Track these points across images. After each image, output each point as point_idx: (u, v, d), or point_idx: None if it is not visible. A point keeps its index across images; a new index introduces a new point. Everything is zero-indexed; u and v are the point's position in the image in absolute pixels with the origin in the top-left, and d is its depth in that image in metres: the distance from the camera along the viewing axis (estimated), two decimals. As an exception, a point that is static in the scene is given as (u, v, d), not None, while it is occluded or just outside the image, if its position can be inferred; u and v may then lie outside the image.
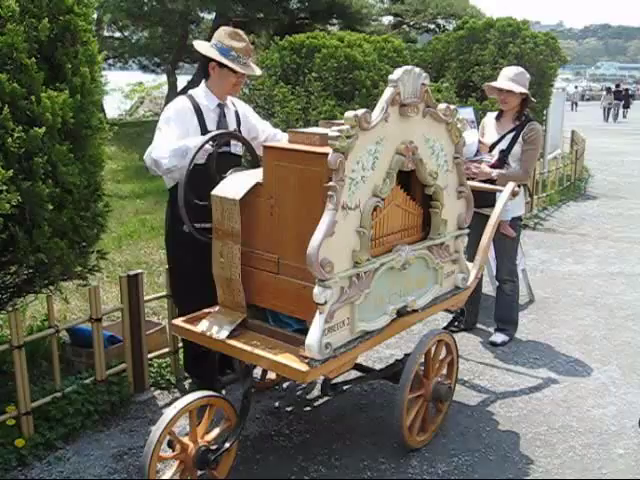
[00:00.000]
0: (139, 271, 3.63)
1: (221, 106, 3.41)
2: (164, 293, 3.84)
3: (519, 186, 3.97)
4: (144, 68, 19.43)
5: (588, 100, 45.19)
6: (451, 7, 18.97)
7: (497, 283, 4.66)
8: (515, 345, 4.53)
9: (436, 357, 3.28)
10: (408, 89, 2.74)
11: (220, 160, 3.08)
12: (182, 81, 16.05)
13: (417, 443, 3.21)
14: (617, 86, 34.40)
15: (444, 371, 3.40)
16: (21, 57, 2.85)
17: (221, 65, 3.29)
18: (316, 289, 2.49)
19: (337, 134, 2.44)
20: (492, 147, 4.38)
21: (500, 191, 3.86)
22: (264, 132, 3.63)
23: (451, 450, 3.25)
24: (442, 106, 3.00)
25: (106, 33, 16.96)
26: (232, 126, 3.44)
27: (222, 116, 3.41)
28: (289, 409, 3.61)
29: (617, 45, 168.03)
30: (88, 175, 3.22)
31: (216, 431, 2.88)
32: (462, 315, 3.82)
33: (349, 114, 2.49)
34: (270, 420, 3.49)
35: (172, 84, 15.41)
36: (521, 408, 3.68)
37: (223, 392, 3.42)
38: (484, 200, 3.96)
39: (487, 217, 3.76)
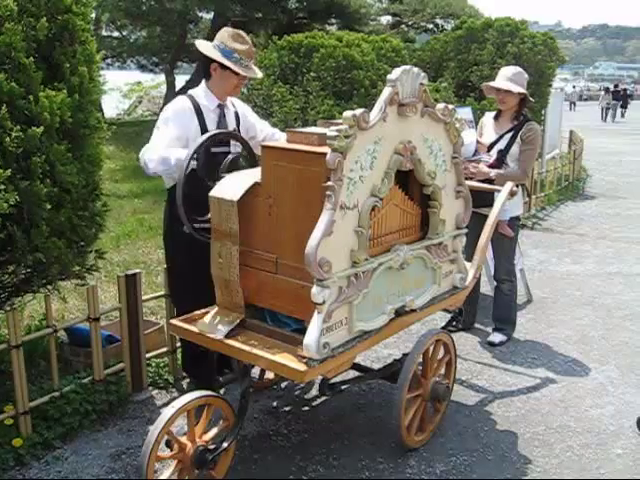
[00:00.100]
0: (137, 271, 3.63)
1: (221, 106, 3.41)
2: (162, 293, 3.84)
3: (517, 186, 3.97)
4: (142, 67, 19.42)
5: (586, 100, 45.22)
6: (449, 7, 18.98)
7: (495, 283, 4.66)
8: (513, 345, 4.53)
9: (434, 357, 3.28)
10: (406, 89, 2.74)
11: (220, 160, 3.09)
12: (180, 80, 16.05)
13: (415, 443, 3.21)
14: (615, 86, 34.45)
15: (442, 371, 3.40)
16: (19, 56, 2.85)
17: (223, 67, 3.29)
18: (314, 289, 2.49)
19: (335, 134, 2.44)
20: (490, 147, 4.38)
21: (498, 191, 3.86)
22: (262, 131, 3.63)
23: (449, 450, 3.25)
24: (440, 106, 3.00)
25: (104, 32, 16.95)
26: (231, 126, 3.44)
27: (222, 116, 3.41)
28: (287, 409, 3.61)
29: (615, 45, 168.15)
30: (86, 174, 3.22)
31: (214, 431, 2.88)
32: (460, 315, 3.83)
33: (347, 114, 2.49)
34: (268, 420, 3.49)
35: (170, 83, 15.41)
36: (519, 408, 3.68)
37: (221, 392, 3.42)
38: (482, 200, 3.96)
39: (485, 217, 3.76)
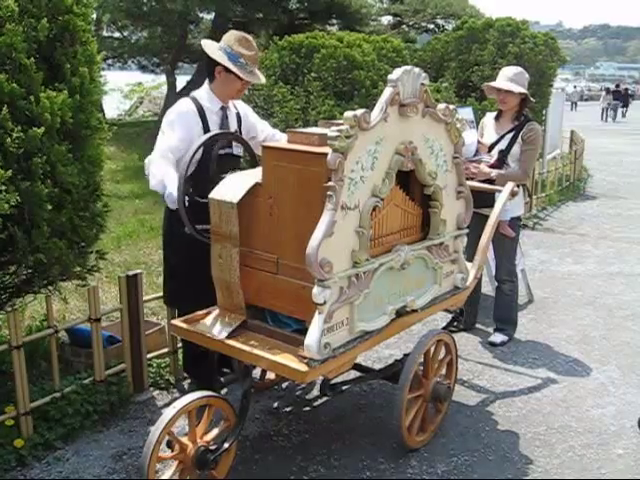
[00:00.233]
0: (138, 271, 3.63)
1: (224, 109, 3.42)
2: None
3: (518, 186, 3.97)
4: (143, 68, 19.41)
5: (586, 100, 45.16)
6: (450, 7, 18.95)
7: (496, 283, 4.66)
8: (514, 345, 4.53)
9: (435, 357, 3.28)
10: (407, 89, 2.74)
11: (221, 162, 3.10)
12: (181, 81, 16.04)
13: (416, 443, 3.21)
14: (617, 86, 34.46)
15: (443, 371, 3.40)
16: (20, 57, 2.85)
17: (228, 70, 3.29)
18: (315, 289, 2.49)
19: (336, 134, 2.43)
20: (491, 147, 4.38)
21: (499, 191, 3.86)
22: (263, 132, 3.64)
23: (450, 450, 3.25)
24: (441, 106, 3.00)
25: (105, 33, 16.94)
26: (233, 128, 3.45)
27: (224, 118, 3.42)
28: (288, 409, 3.61)
29: (616, 45, 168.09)
30: (87, 175, 3.22)
31: (215, 431, 2.88)
32: (461, 315, 3.82)
33: (348, 114, 2.49)
34: (269, 420, 3.49)
35: (171, 84, 15.38)
36: (520, 408, 3.68)
37: (223, 392, 3.42)
38: (483, 200, 3.96)
39: (486, 217, 3.76)
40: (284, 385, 3.82)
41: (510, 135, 4.33)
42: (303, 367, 2.54)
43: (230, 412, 2.88)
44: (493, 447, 3.29)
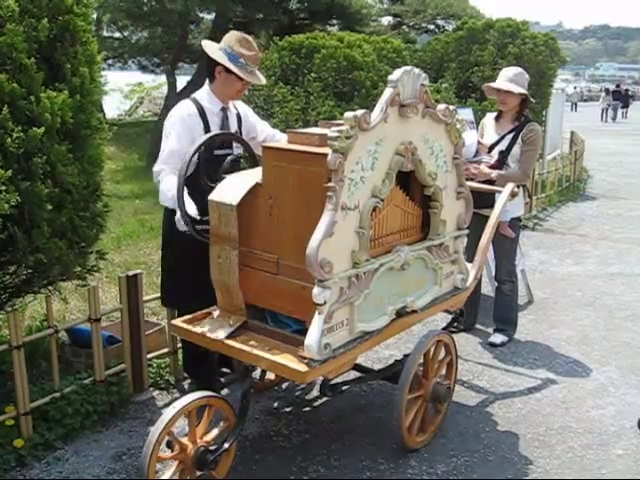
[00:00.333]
0: (138, 271, 3.63)
1: (224, 109, 3.43)
2: (163, 293, 3.84)
3: (518, 187, 3.97)
4: (143, 68, 19.40)
5: (586, 101, 45.14)
6: (450, 8, 18.94)
7: (496, 284, 4.66)
8: (514, 346, 4.53)
9: (435, 358, 3.28)
10: (407, 90, 2.74)
11: (221, 162, 3.09)
12: (182, 81, 16.03)
13: (416, 443, 3.21)
14: (617, 86, 34.44)
15: (443, 372, 3.40)
16: (20, 57, 2.85)
17: (228, 71, 3.29)
18: (315, 289, 2.49)
19: (336, 134, 2.43)
20: (491, 148, 4.38)
21: (499, 192, 3.86)
22: (263, 132, 3.64)
23: (450, 450, 3.25)
24: (441, 107, 3.00)
25: (105, 33, 16.92)
26: (234, 129, 3.45)
27: (225, 119, 3.42)
28: (288, 409, 3.61)
29: (616, 46, 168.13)
30: (87, 175, 3.22)
31: (215, 431, 2.88)
32: (461, 316, 3.81)
33: (348, 114, 2.49)
34: (269, 420, 3.49)
35: (172, 84, 15.37)
36: (520, 409, 3.68)
37: (223, 392, 3.42)
38: (483, 201, 3.96)
39: (486, 218, 3.76)
40: (284, 385, 3.82)
41: (510, 136, 4.33)
42: (303, 367, 2.54)
43: (230, 412, 2.88)
44: (493, 448, 3.29)
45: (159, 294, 3.81)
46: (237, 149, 3.39)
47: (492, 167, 4.25)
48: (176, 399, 3.07)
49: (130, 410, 3.56)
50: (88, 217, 3.29)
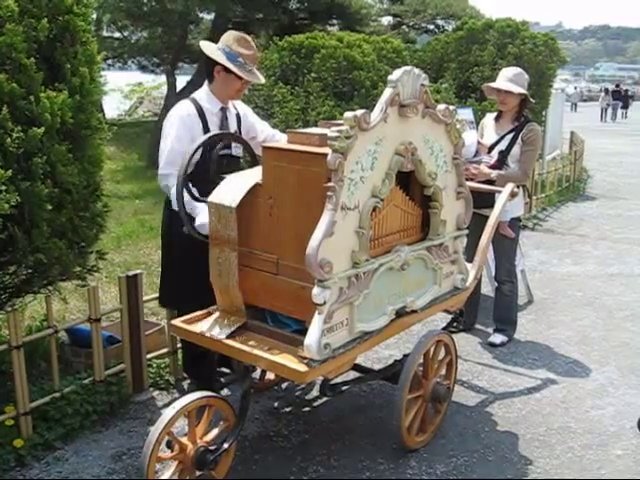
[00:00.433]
0: (138, 271, 3.63)
1: (223, 109, 3.42)
2: (163, 293, 3.83)
3: (518, 187, 3.97)
4: (143, 68, 19.40)
5: (585, 101, 45.12)
6: (450, 8, 18.95)
7: (496, 284, 4.66)
8: (514, 346, 4.53)
9: (435, 358, 3.28)
10: (407, 90, 2.74)
11: (220, 162, 3.09)
12: (181, 81, 16.02)
13: (416, 444, 3.21)
14: (617, 86, 34.43)
15: (443, 372, 3.40)
16: (20, 57, 2.85)
17: (227, 70, 3.29)
18: (315, 289, 2.49)
19: (336, 135, 2.43)
20: (491, 148, 4.38)
21: (499, 192, 3.86)
22: (263, 132, 3.63)
23: (450, 451, 3.25)
24: (441, 107, 3.00)
25: (105, 33, 16.91)
26: (233, 129, 3.44)
27: (224, 119, 3.42)
28: (288, 410, 3.61)
29: (616, 46, 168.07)
30: (87, 175, 3.22)
31: (215, 431, 2.88)
32: (461, 316, 3.82)
33: (348, 114, 2.49)
34: (269, 420, 3.49)
35: (171, 84, 15.35)
36: (520, 409, 3.68)
37: (222, 392, 3.42)
38: (483, 201, 3.96)
39: (486, 218, 3.76)
40: (284, 385, 3.82)
41: (510, 136, 4.33)
42: (303, 367, 2.54)
43: (230, 412, 2.88)
44: (492, 448, 3.29)
45: (158, 294, 3.80)
46: (236, 149, 3.38)
47: (492, 167, 4.26)
48: (176, 399, 3.07)
49: (130, 410, 3.56)
50: (88, 217, 3.29)
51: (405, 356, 3.24)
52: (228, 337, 2.78)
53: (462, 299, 3.45)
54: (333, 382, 3.01)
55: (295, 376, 2.61)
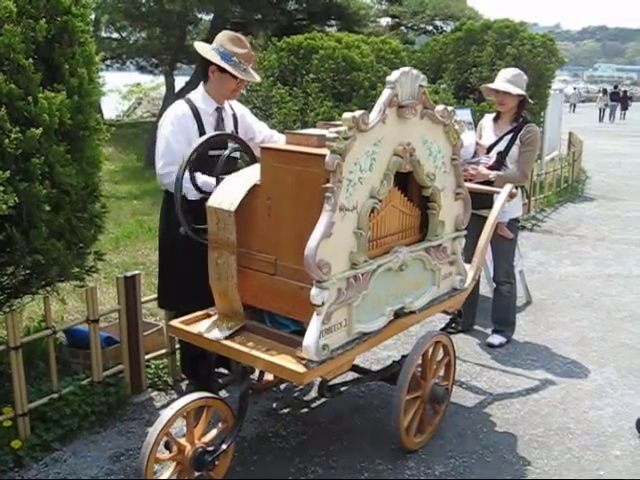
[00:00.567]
0: (136, 272, 3.62)
1: (219, 110, 3.42)
2: (161, 294, 3.83)
3: (516, 188, 3.97)
4: (142, 69, 19.39)
5: (584, 102, 45.12)
6: (449, 9, 18.97)
7: (494, 285, 4.66)
8: (512, 347, 4.53)
9: (433, 358, 3.28)
10: (406, 91, 2.74)
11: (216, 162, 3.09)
12: (180, 82, 16.02)
13: (414, 444, 3.21)
14: (615, 87, 34.46)
15: (441, 372, 3.40)
16: (18, 58, 2.85)
17: (221, 70, 3.29)
18: (313, 290, 2.49)
19: (335, 135, 2.43)
20: (490, 149, 4.39)
21: (497, 193, 3.86)
22: (261, 133, 3.63)
23: (448, 451, 3.25)
24: (440, 108, 3.00)
25: (104, 34, 16.90)
26: (229, 129, 3.44)
27: (220, 120, 3.41)
28: (286, 410, 3.61)
29: (615, 47, 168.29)
30: (85, 176, 3.22)
31: (213, 432, 2.88)
32: (459, 317, 3.81)
33: (347, 115, 2.49)
34: (267, 421, 3.48)
35: (170, 85, 15.35)
36: (518, 410, 3.68)
37: (221, 393, 3.42)
38: (482, 202, 3.96)
39: (485, 219, 3.76)
40: (282, 386, 3.81)
41: (508, 137, 4.33)
42: (301, 368, 2.54)
43: (228, 413, 2.87)
44: (491, 449, 3.29)
45: (157, 295, 3.80)
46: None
47: (490, 168, 4.26)
48: (174, 400, 3.07)
49: (128, 411, 3.55)
50: (86, 218, 3.28)
51: (403, 357, 3.24)
52: (226, 338, 2.77)
53: (460, 300, 3.45)
54: (331, 383, 3.01)
55: (293, 377, 2.61)
